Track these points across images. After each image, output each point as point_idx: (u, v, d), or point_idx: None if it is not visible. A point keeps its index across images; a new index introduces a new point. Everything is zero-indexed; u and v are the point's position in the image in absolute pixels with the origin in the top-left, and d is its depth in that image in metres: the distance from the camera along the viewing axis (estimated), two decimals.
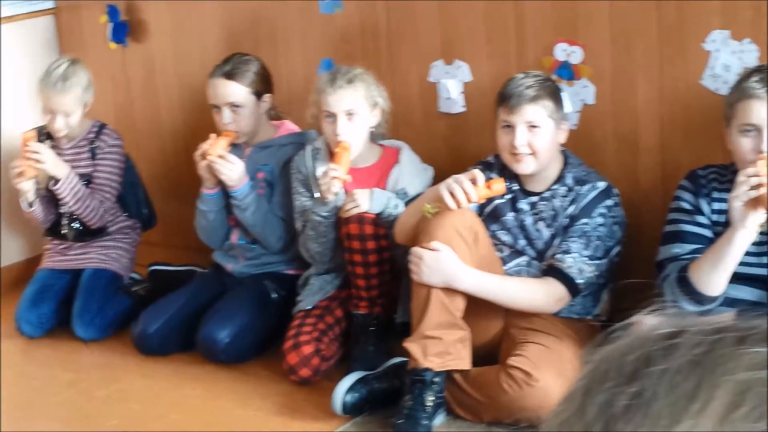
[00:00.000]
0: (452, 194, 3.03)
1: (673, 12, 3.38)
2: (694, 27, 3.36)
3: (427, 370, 3.06)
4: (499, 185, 3.17)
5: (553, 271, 3.21)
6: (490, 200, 3.30)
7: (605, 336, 0.89)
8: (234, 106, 3.78)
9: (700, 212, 3.06)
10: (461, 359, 3.10)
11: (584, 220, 3.23)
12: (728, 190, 2.92)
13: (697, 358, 0.79)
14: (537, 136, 3.22)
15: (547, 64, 3.61)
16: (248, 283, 3.88)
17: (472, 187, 3.06)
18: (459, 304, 3.12)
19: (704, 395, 0.77)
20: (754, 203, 2.77)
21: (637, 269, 3.21)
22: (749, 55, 3.28)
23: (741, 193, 2.78)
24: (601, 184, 3.27)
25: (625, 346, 0.83)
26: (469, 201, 3.06)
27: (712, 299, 2.91)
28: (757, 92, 2.88)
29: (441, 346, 3.07)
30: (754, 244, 2.90)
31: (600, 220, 3.23)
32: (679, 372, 0.79)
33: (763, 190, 2.74)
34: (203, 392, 3.56)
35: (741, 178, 2.81)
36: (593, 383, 0.81)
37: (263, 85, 3.86)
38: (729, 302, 2.93)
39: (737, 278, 2.91)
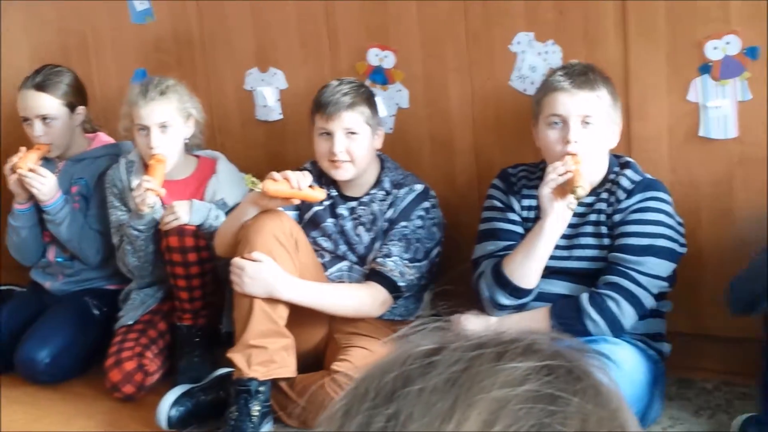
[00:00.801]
0: (287, 180, 3.07)
1: (479, 15, 3.48)
2: (500, 30, 3.46)
3: (252, 379, 3.07)
4: (321, 192, 3.20)
5: (375, 275, 3.27)
6: (309, 207, 3.33)
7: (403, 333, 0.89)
8: (45, 119, 3.70)
9: (512, 209, 3.16)
10: (286, 367, 3.12)
11: (403, 223, 3.29)
12: (537, 187, 3.04)
13: (455, 376, 0.79)
14: (355, 143, 3.27)
15: (361, 70, 3.67)
16: (68, 301, 3.81)
17: (304, 177, 3.09)
18: (282, 312, 3.14)
19: (459, 415, 0.76)
20: (562, 190, 2.89)
21: (458, 268, 3.28)
22: (553, 56, 3.40)
23: (549, 180, 2.90)
24: (419, 187, 3.34)
25: (385, 364, 0.83)
26: (300, 189, 3.08)
27: (527, 292, 3.01)
28: (562, 84, 3.01)
29: (265, 355, 3.08)
30: (564, 237, 3.02)
31: (419, 222, 3.30)
32: (435, 391, 0.78)
33: (569, 175, 2.86)
34: (24, 415, 3.47)
35: (549, 170, 2.92)
36: (353, 403, 0.80)
37: (76, 97, 3.79)
38: (543, 296, 3.03)
39: (549, 272, 3.02)
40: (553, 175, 2.91)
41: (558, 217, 2.93)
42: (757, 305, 2.82)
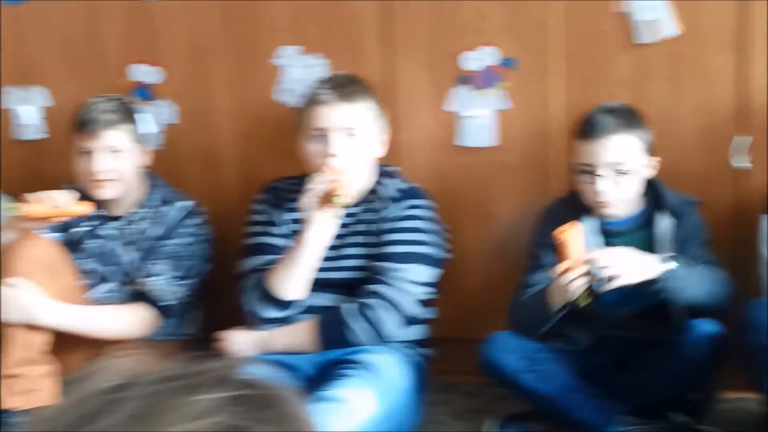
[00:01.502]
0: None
1: (244, 30, 3.49)
2: (265, 44, 3.49)
3: (10, 410, 2.97)
4: (87, 207, 3.11)
5: (143, 295, 3.21)
6: (71, 228, 3.25)
7: (196, 355, 0.87)
8: None
9: (275, 224, 3.17)
10: (48, 394, 3.03)
11: (171, 241, 3.26)
12: None
13: (140, 412, 0.78)
14: (118, 161, 3.21)
15: (126, 86, 3.61)
16: None
17: (68, 194, 3.00)
18: (42, 339, 3.04)
19: None
20: (324, 201, 2.91)
21: (228, 285, 3.27)
22: (318, 68, 3.44)
23: (310, 191, 2.92)
24: (186, 204, 3.32)
25: (69, 403, 0.80)
26: (62, 206, 2.98)
27: (291, 304, 3.03)
28: (324, 97, 3.04)
29: (25, 384, 2.99)
30: (332, 248, 3.04)
31: (187, 239, 3.27)
32: (119, 428, 0.77)
33: (331, 186, 2.88)
34: None
35: (311, 181, 2.94)
36: None
37: None
38: (311, 309, 3.05)
39: (318, 285, 3.03)
40: (315, 186, 2.92)
41: (321, 228, 2.95)
42: (532, 334, 2.94)
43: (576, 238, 2.76)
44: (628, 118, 2.95)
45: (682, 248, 2.95)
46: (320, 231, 2.96)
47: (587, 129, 2.94)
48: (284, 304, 3.03)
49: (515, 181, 3.34)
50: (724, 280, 2.90)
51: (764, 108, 3.07)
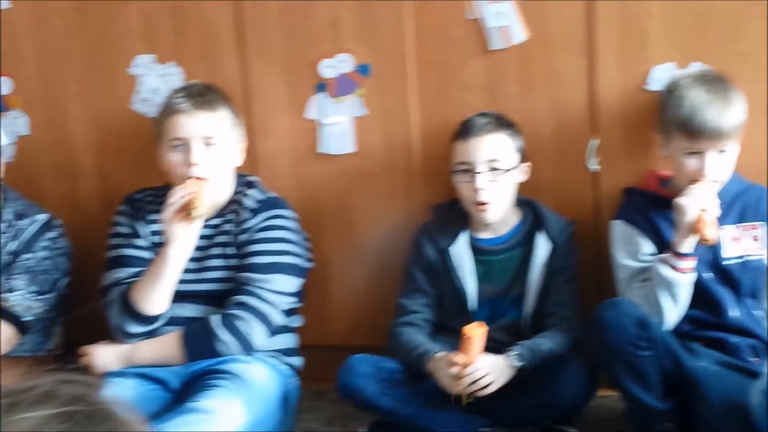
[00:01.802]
0: None
1: (97, 38, 3.45)
2: (119, 53, 3.45)
3: None
4: None
5: (1, 312, 3.15)
6: None
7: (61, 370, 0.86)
8: None
9: (138, 235, 3.15)
10: None
11: (27, 255, 3.20)
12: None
13: None
14: None
15: None
16: None
17: None
18: None
19: None
20: (184, 214, 2.91)
21: (92, 297, 3.23)
22: (174, 77, 3.43)
23: (170, 205, 2.92)
24: (42, 217, 3.26)
25: None
26: None
27: (155, 318, 3.02)
28: (181, 107, 3.04)
29: None
30: (193, 260, 3.04)
31: (44, 253, 3.22)
32: None
33: (189, 197, 2.89)
34: None
35: (170, 194, 2.94)
36: None
37: None
38: (175, 321, 3.04)
39: (181, 296, 3.03)
40: (174, 200, 2.92)
41: (182, 242, 2.95)
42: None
43: (479, 339, 2.85)
44: (503, 121, 3.10)
45: (551, 279, 3.09)
46: (181, 245, 2.96)
47: (464, 129, 3.07)
48: (148, 319, 3.02)
49: (377, 189, 3.39)
50: (572, 332, 3.03)
51: (612, 110, 3.18)
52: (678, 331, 2.91)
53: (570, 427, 2.98)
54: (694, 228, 2.80)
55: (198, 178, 2.96)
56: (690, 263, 2.85)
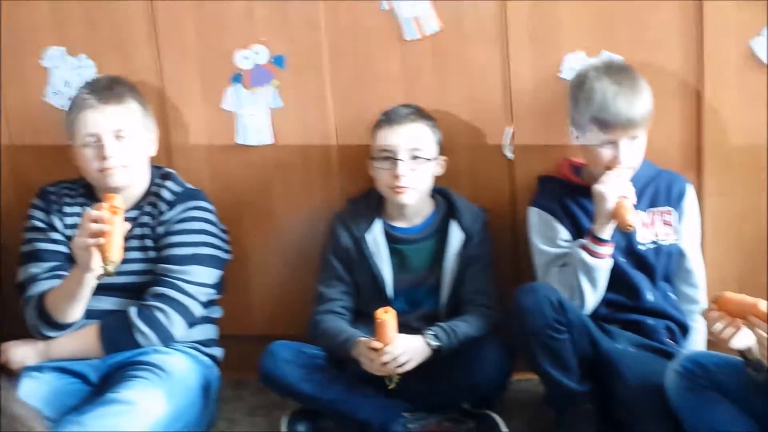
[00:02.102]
0: None
1: (8, 29, 3.39)
2: (30, 45, 3.39)
3: None
4: None
5: None
6: None
7: None
8: None
9: (54, 229, 3.11)
10: None
11: None
12: (80, 204, 3.10)
13: None
14: None
15: None
16: None
17: None
18: None
19: None
20: (98, 246, 2.80)
21: (7, 294, 3.18)
22: (87, 70, 3.39)
23: (82, 234, 2.82)
24: None
25: None
26: None
27: (71, 324, 3.01)
28: (88, 102, 3.04)
29: None
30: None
31: None
32: None
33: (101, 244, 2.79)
34: None
35: (84, 221, 2.83)
36: None
37: None
38: (92, 314, 3.01)
39: (98, 289, 2.99)
40: (87, 225, 2.80)
41: (95, 272, 2.84)
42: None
43: (392, 321, 2.87)
44: (424, 113, 3.14)
45: (466, 267, 3.13)
46: (94, 274, 2.86)
47: (388, 117, 3.10)
48: (63, 326, 3.01)
49: (295, 179, 3.39)
50: (490, 319, 3.07)
51: (526, 99, 3.22)
52: (596, 315, 2.98)
53: (490, 411, 3.01)
54: (614, 214, 2.86)
55: (112, 207, 2.85)
56: (608, 249, 2.92)
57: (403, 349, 2.87)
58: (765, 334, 2.40)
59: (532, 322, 2.81)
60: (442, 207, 3.20)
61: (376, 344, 2.86)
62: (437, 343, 2.93)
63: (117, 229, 2.82)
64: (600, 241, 2.91)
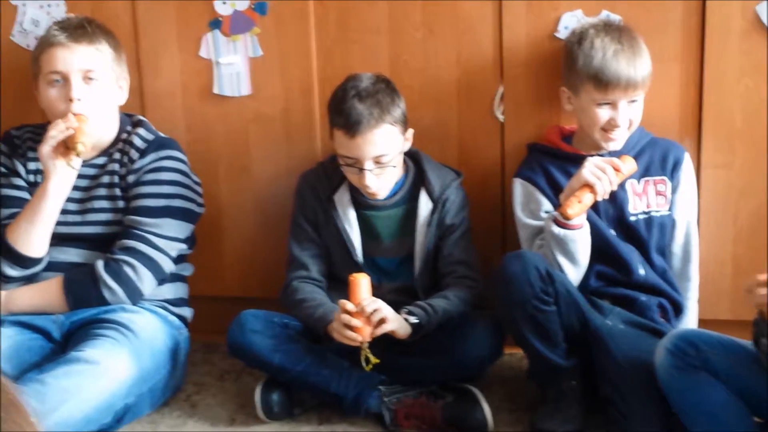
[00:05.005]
0: None
1: None
2: None
3: None
4: None
5: None
6: None
7: None
8: None
9: (17, 174, 3.07)
10: None
11: None
12: None
13: None
14: None
15: None
16: None
17: None
18: None
19: None
20: (64, 150, 2.87)
21: None
22: (57, 9, 3.32)
23: (49, 138, 2.87)
24: None
25: None
26: None
27: (35, 261, 2.94)
28: (58, 39, 2.97)
29: None
30: (76, 201, 2.99)
31: None
32: None
33: (70, 132, 2.85)
34: None
35: (50, 128, 2.89)
36: None
37: None
38: (55, 266, 2.95)
39: (61, 239, 2.96)
40: (53, 133, 2.87)
41: (61, 177, 2.90)
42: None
43: (366, 283, 2.81)
44: (383, 102, 2.93)
45: (441, 237, 3.05)
46: (60, 180, 2.90)
47: (347, 123, 2.90)
48: (27, 261, 2.93)
49: (274, 133, 3.32)
50: (472, 290, 3.01)
51: (519, 58, 3.15)
52: (587, 288, 2.92)
53: (471, 386, 2.95)
54: (575, 191, 2.79)
55: (78, 115, 2.90)
56: (580, 218, 2.84)
57: (378, 304, 2.80)
58: None
59: (518, 290, 2.75)
60: (412, 172, 3.10)
61: (349, 305, 2.79)
62: (415, 319, 2.86)
63: (85, 125, 2.88)
64: None
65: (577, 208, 2.77)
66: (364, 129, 2.88)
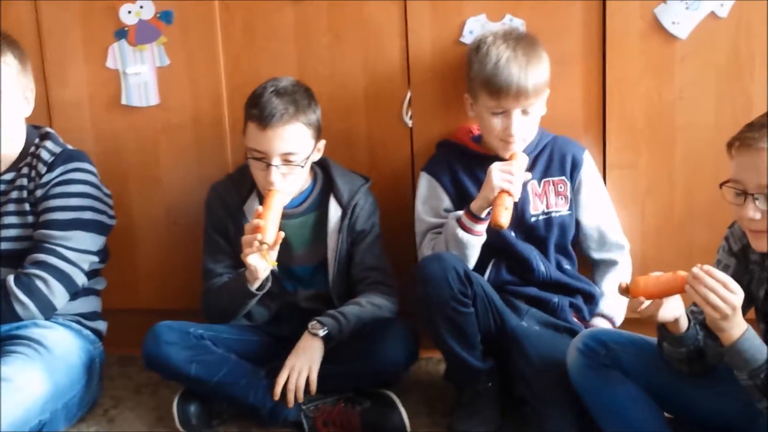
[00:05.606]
0: None
1: None
2: None
3: None
4: None
5: None
6: None
7: None
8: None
9: None
10: None
11: None
12: None
13: None
14: None
15: None
16: None
17: None
18: None
19: None
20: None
21: None
22: None
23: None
24: None
25: None
26: None
27: None
28: None
29: None
30: None
31: None
32: None
33: None
34: None
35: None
36: None
37: None
38: None
39: None
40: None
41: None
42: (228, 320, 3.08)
43: (278, 205, 2.85)
44: (300, 102, 2.97)
45: (353, 244, 3.09)
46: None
47: (260, 115, 2.93)
48: None
49: (184, 142, 3.32)
50: (388, 296, 3.04)
51: (425, 63, 3.18)
52: (501, 288, 2.97)
53: (388, 391, 2.98)
54: (491, 204, 2.84)
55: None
56: (484, 226, 2.91)
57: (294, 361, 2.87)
58: (710, 294, 2.35)
59: (437, 292, 2.78)
60: (320, 179, 3.13)
61: (260, 208, 2.84)
62: (323, 331, 2.90)
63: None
64: (477, 218, 2.90)
65: (506, 215, 2.83)
66: (277, 123, 2.91)
